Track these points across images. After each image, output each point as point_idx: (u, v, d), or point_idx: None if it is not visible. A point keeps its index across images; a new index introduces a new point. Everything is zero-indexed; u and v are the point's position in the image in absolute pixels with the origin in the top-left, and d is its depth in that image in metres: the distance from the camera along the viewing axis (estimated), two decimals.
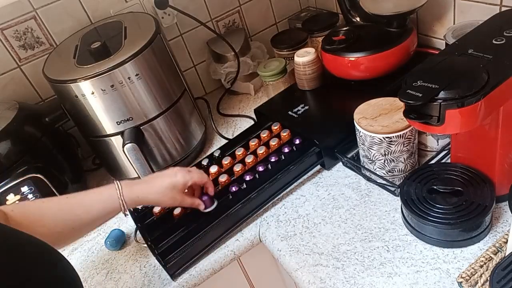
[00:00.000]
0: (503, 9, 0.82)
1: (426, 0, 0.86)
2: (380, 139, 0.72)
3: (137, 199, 0.72)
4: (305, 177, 0.86)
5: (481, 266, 0.59)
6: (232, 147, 0.95)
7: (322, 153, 0.85)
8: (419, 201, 0.66)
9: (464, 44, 0.62)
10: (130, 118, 0.90)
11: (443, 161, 0.77)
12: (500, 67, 0.56)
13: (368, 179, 0.81)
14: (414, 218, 0.66)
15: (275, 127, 0.94)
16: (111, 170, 1.05)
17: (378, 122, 0.72)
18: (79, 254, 0.90)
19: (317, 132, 0.86)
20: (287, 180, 0.84)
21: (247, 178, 0.84)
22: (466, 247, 0.64)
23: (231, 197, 0.82)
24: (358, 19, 1.02)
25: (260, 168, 0.84)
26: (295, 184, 0.86)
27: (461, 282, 0.58)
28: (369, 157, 0.76)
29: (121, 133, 0.90)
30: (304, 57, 0.96)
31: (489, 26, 0.65)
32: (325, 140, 0.84)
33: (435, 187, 0.67)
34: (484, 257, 0.60)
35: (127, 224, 0.92)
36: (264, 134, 0.93)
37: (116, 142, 0.93)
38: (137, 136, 0.89)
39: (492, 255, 0.60)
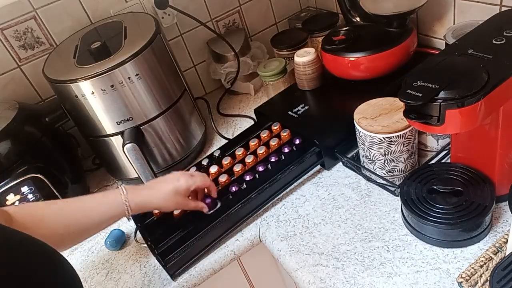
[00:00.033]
0: (503, 9, 0.82)
1: (426, 0, 0.86)
2: (380, 139, 0.72)
3: (142, 204, 0.72)
4: (305, 177, 0.86)
5: (481, 266, 0.59)
6: (232, 147, 0.95)
7: (322, 153, 0.85)
8: (419, 201, 0.66)
9: (464, 44, 0.62)
10: (130, 118, 0.90)
11: (443, 161, 0.77)
12: (500, 67, 0.56)
13: (368, 179, 0.81)
14: (414, 218, 0.66)
15: (275, 127, 0.94)
16: (111, 170, 1.05)
17: (378, 122, 0.72)
18: (79, 254, 0.90)
19: (317, 132, 0.86)
20: (287, 180, 0.84)
21: (247, 178, 0.84)
22: (466, 247, 0.64)
23: (231, 197, 0.82)
24: (358, 19, 1.02)
25: (260, 168, 0.84)
26: (295, 184, 0.86)
27: (461, 282, 0.58)
28: (369, 157, 0.76)
29: (121, 133, 0.90)
30: (304, 57, 0.96)
31: (489, 26, 0.65)
32: (325, 140, 0.84)
33: (435, 187, 0.67)
34: (484, 257, 0.60)
35: (127, 224, 0.92)
36: (264, 134, 0.93)
37: (116, 142, 0.93)
38: (137, 136, 0.89)
39: (492, 255, 0.60)
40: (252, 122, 1.08)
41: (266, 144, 0.90)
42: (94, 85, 0.84)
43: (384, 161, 0.75)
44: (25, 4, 0.98)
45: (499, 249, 0.60)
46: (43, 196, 0.87)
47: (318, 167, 0.88)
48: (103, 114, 0.88)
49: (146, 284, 0.78)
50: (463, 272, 0.59)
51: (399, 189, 0.70)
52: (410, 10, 0.88)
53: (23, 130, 0.91)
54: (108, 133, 0.92)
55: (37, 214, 0.65)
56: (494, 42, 0.60)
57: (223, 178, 0.86)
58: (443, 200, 0.65)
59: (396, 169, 0.76)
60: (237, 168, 0.87)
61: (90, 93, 0.85)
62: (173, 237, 0.79)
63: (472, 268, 0.59)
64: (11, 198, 0.85)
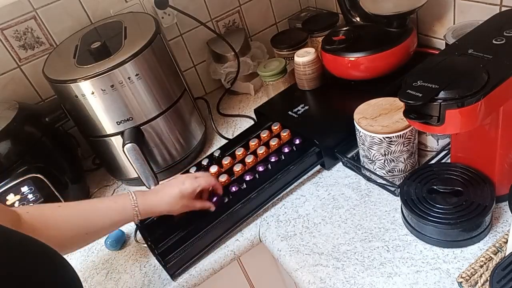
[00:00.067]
0: (503, 9, 0.82)
1: (426, 0, 0.86)
2: (380, 139, 0.72)
3: (149, 209, 0.74)
4: (305, 177, 0.86)
5: (481, 266, 0.59)
6: (232, 147, 0.95)
7: (322, 153, 0.85)
8: (419, 201, 0.66)
9: (464, 44, 0.62)
10: (130, 118, 0.90)
11: (443, 161, 0.77)
12: (500, 67, 0.56)
13: (368, 179, 0.81)
14: (414, 218, 0.66)
15: (275, 127, 0.94)
16: (111, 170, 1.05)
17: (378, 122, 0.72)
18: (79, 254, 0.90)
19: (317, 132, 0.86)
20: (287, 180, 0.84)
21: (247, 178, 0.84)
22: (466, 247, 0.64)
23: (231, 197, 0.82)
24: (358, 19, 1.02)
25: (260, 168, 0.84)
26: (295, 184, 0.86)
27: (461, 282, 0.58)
28: (369, 157, 0.76)
29: (121, 133, 0.90)
30: (304, 57, 0.96)
31: (489, 26, 0.65)
32: (325, 140, 0.84)
33: (435, 187, 0.67)
34: (484, 257, 0.60)
35: (127, 224, 0.91)
36: (264, 134, 0.93)
37: (116, 142, 0.93)
38: (137, 136, 0.89)
39: (492, 255, 0.60)
40: (252, 122, 1.08)
41: (266, 144, 0.90)
42: (94, 85, 0.84)
43: (384, 161, 0.75)
44: (25, 4, 0.98)
45: (499, 249, 0.60)
46: (43, 196, 0.87)
47: (318, 167, 0.88)
48: (103, 114, 0.88)
49: (146, 284, 0.78)
50: (463, 272, 0.59)
51: (399, 189, 0.70)
52: (410, 10, 0.88)
53: (23, 130, 0.91)
54: (108, 133, 0.92)
55: (46, 216, 0.66)
56: (494, 42, 0.60)
57: (223, 178, 0.86)
58: (443, 200, 0.65)
59: (396, 169, 0.76)
60: (237, 168, 0.87)
61: (90, 93, 0.85)
62: (173, 237, 0.79)
63: (472, 268, 0.59)
64: (11, 198, 0.85)
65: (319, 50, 0.98)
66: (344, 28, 0.98)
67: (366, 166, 0.80)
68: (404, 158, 0.74)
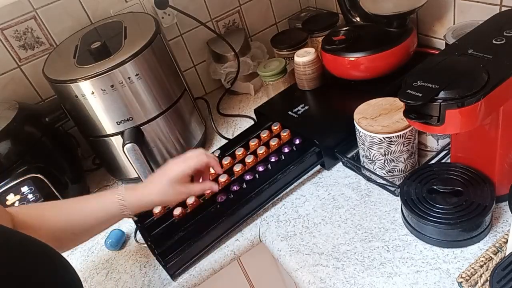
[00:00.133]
0: (503, 9, 0.82)
1: (426, 0, 0.86)
2: (380, 139, 0.72)
3: (140, 203, 0.69)
4: (305, 177, 0.86)
5: (481, 266, 0.59)
6: (232, 147, 0.95)
7: (322, 153, 0.85)
8: (419, 201, 0.66)
9: (464, 44, 0.62)
10: (130, 118, 0.90)
11: (443, 161, 0.77)
12: (500, 67, 0.56)
13: (368, 179, 0.81)
14: (414, 218, 0.66)
15: (275, 127, 0.94)
16: (111, 170, 1.05)
17: (378, 122, 0.72)
18: (79, 254, 0.90)
19: (317, 132, 0.86)
20: (287, 180, 0.84)
21: (247, 178, 0.84)
22: (466, 247, 0.64)
23: (231, 197, 0.82)
24: (358, 19, 1.02)
25: (260, 168, 0.84)
26: (295, 184, 0.86)
27: (461, 282, 0.58)
28: (369, 157, 0.76)
29: (121, 133, 0.90)
30: (304, 57, 0.96)
31: (489, 26, 0.65)
32: (325, 140, 0.84)
33: (435, 187, 0.67)
34: (484, 257, 0.60)
35: (127, 224, 0.92)
36: (264, 134, 0.93)
37: (116, 142, 0.93)
38: (137, 136, 0.89)
39: (492, 255, 0.60)
40: (252, 122, 1.08)
41: (266, 144, 0.90)
42: (94, 85, 0.84)
43: (384, 161, 0.75)
44: (25, 4, 0.98)
45: (499, 249, 0.60)
46: (43, 196, 0.87)
47: (318, 167, 0.88)
48: (103, 114, 0.88)
49: (146, 284, 0.78)
50: (463, 272, 0.59)
51: (399, 189, 0.70)
52: (410, 10, 0.88)
53: (23, 130, 0.91)
54: (108, 133, 0.92)
55: (36, 215, 0.65)
56: (494, 42, 0.60)
57: (223, 178, 0.86)
58: (443, 200, 0.65)
59: (396, 169, 0.76)
60: (237, 168, 0.87)
61: (90, 93, 0.85)
62: (173, 237, 0.79)
63: (472, 268, 0.59)
64: (11, 198, 0.85)
65: (319, 50, 0.98)
66: (344, 28, 0.98)
67: (366, 166, 0.80)
68: (404, 158, 0.74)
